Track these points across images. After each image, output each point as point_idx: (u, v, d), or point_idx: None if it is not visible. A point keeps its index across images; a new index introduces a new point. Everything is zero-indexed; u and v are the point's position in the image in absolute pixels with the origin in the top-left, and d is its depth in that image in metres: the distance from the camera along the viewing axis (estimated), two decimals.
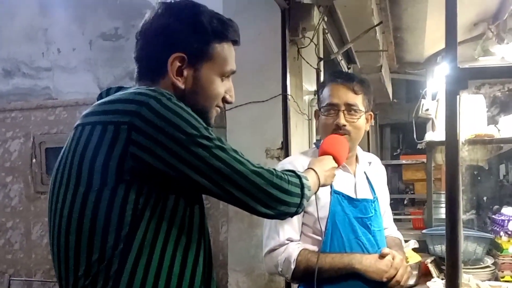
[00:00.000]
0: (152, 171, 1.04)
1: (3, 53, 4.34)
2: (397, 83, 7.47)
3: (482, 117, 3.20)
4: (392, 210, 2.08)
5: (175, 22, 1.16)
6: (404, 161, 7.19)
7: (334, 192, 1.75)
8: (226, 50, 1.21)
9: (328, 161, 1.53)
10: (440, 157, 3.70)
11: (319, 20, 3.27)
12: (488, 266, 2.65)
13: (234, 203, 1.14)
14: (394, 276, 1.68)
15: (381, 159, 2.08)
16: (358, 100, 1.80)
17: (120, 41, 3.99)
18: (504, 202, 3.77)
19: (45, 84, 4.31)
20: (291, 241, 1.74)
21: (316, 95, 3.46)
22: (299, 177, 1.23)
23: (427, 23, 4.05)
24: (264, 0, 2.93)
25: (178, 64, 1.15)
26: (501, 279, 2.60)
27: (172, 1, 1.21)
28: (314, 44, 3.37)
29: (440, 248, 2.77)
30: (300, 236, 1.77)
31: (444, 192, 1.85)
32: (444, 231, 1.05)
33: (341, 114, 1.78)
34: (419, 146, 3.84)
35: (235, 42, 1.25)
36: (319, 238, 1.72)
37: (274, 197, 1.14)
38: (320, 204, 1.71)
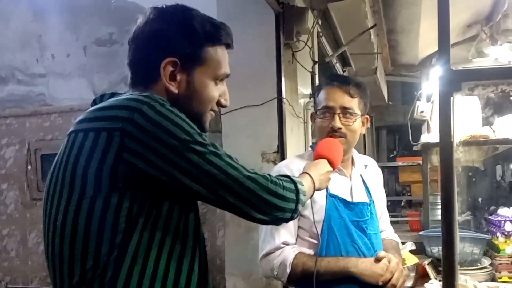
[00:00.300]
0: (146, 177, 1.03)
1: None
2: (393, 85, 7.49)
3: (477, 118, 3.20)
4: (389, 212, 2.08)
5: (167, 27, 1.16)
6: (400, 163, 7.19)
7: (330, 196, 1.75)
8: (219, 53, 1.21)
9: (323, 165, 1.52)
10: (436, 159, 3.71)
11: (313, 23, 3.28)
12: (485, 267, 2.65)
13: (229, 209, 1.13)
14: (390, 280, 1.68)
15: (378, 161, 2.08)
16: (353, 104, 1.80)
17: (115, 47, 3.99)
18: (500, 202, 3.78)
19: (39, 91, 4.30)
20: (287, 244, 1.74)
21: (311, 98, 3.47)
22: (294, 182, 1.22)
23: (421, 25, 4.06)
24: (258, 4, 2.93)
25: (171, 68, 1.15)
26: (499, 280, 2.60)
27: (164, 6, 1.20)
28: (309, 47, 3.38)
29: (437, 250, 2.77)
30: (296, 239, 1.77)
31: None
32: (441, 233, 1.06)
33: (337, 117, 1.78)
34: (414, 148, 3.85)
35: (228, 46, 1.24)
36: (315, 241, 1.72)
37: (269, 203, 1.13)
38: (316, 208, 1.70)
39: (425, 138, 3.64)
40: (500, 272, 2.65)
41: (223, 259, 3.21)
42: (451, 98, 1.07)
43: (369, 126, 1.97)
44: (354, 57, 5.02)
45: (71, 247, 1.06)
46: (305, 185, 1.29)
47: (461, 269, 2.51)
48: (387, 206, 2.05)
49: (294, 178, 1.24)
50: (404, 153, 8.59)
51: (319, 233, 1.71)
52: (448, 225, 1.04)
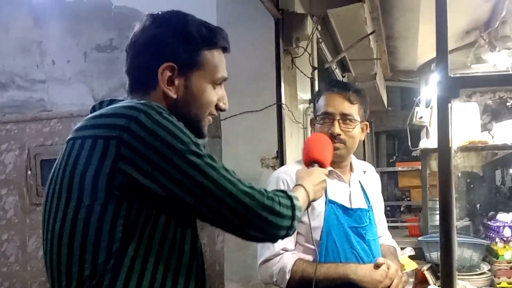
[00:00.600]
0: (141, 187, 1.02)
1: None
2: (392, 90, 7.51)
3: (476, 124, 3.22)
4: (388, 217, 2.09)
5: (163, 32, 1.16)
6: (400, 168, 7.20)
7: (329, 202, 1.75)
8: (216, 57, 1.21)
9: (317, 174, 1.47)
10: (435, 164, 3.71)
11: (313, 29, 3.29)
12: (484, 273, 2.65)
13: (222, 225, 1.10)
14: (389, 286, 1.69)
15: (377, 166, 2.09)
16: (353, 110, 1.80)
17: (115, 53, 4.00)
18: (499, 208, 3.79)
19: (39, 96, 4.30)
20: (286, 250, 1.74)
21: (311, 103, 3.48)
22: (290, 198, 1.18)
23: (419, 31, 4.08)
24: (257, 11, 2.95)
25: (168, 73, 1.15)
26: (497, 286, 2.60)
27: (159, 12, 1.20)
28: (308, 53, 3.39)
29: (436, 255, 2.77)
30: (295, 245, 1.77)
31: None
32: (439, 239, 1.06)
33: (336, 123, 1.78)
34: (414, 154, 3.86)
35: (225, 49, 1.24)
36: (314, 247, 1.72)
37: (265, 220, 1.09)
38: (314, 214, 1.71)
39: (424, 143, 3.65)
40: (499, 278, 2.65)
41: (222, 265, 3.21)
42: (449, 104, 1.07)
43: (368, 132, 1.98)
44: (354, 63, 5.04)
45: (69, 254, 1.05)
46: (300, 199, 1.26)
47: (460, 275, 2.51)
48: (386, 211, 2.05)
49: (290, 193, 1.20)
50: (403, 158, 8.59)
51: (318, 239, 1.71)
52: (446, 231, 1.05)
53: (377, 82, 5.58)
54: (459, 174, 3.69)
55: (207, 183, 1.03)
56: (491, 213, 3.58)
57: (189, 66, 1.16)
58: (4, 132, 4.31)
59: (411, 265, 2.61)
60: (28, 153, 4.22)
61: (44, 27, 4.12)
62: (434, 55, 1.12)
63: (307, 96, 3.54)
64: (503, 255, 2.70)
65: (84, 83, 4.05)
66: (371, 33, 4.02)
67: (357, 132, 1.82)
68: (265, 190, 1.13)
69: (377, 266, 1.69)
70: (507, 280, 2.63)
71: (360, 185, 1.89)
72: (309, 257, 1.73)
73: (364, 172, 1.95)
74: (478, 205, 4.42)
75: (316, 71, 3.67)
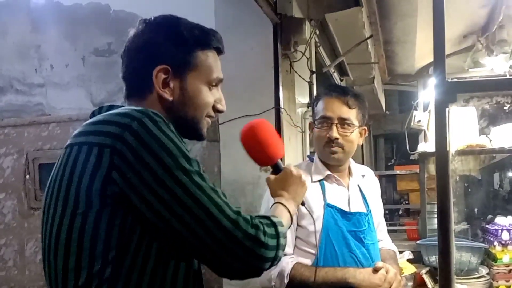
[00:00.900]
0: (131, 205, 1.01)
1: None
2: (390, 94, 7.53)
3: (474, 128, 3.23)
4: (386, 220, 2.09)
5: (155, 36, 1.16)
6: (398, 171, 7.21)
7: (327, 206, 1.76)
8: (210, 58, 1.20)
9: (292, 180, 1.34)
10: (433, 168, 3.72)
11: (311, 33, 3.30)
12: (482, 276, 2.66)
13: (200, 252, 1.04)
14: None
15: (375, 169, 2.09)
16: (351, 114, 1.81)
17: (113, 57, 4.00)
18: (497, 211, 3.80)
19: (38, 100, 4.30)
20: (285, 254, 1.74)
21: (309, 107, 3.49)
22: (274, 225, 1.11)
23: (417, 36, 4.10)
24: (256, 16, 2.95)
25: (163, 76, 1.14)
26: None
27: (152, 17, 1.20)
28: (306, 57, 3.40)
29: (435, 259, 2.78)
30: (294, 249, 1.77)
31: None
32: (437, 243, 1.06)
33: (334, 128, 1.79)
34: (412, 157, 3.87)
35: (219, 51, 1.24)
36: (313, 251, 1.73)
37: (249, 250, 1.03)
38: (313, 218, 1.71)
39: (422, 147, 3.66)
40: (497, 281, 2.66)
41: None
42: (447, 109, 1.08)
43: (366, 136, 1.98)
44: (352, 67, 5.05)
45: (65, 261, 1.05)
46: (285, 222, 1.20)
47: (458, 278, 2.52)
48: (385, 214, 2.05)
49: (274, 220, 1.13)
50: (402, 161, 8.60)
51: (317, 243, 1.71)
52: (444, 234, 1.05)
53: (375, 86, 5.59)
54: (457, 178, 3.70)
55: (191, 203, 1.00)
56: (489, 216, 3.58)
57: (183, 67, 1.16)
58: (2, 136, 4.30)
59: (410, 269, 2.61)
60: (26, 157, 4.21)
61: (42, 31, 4.13)
62: (431, 59, 1.12)
63: (306, 100, 3.55)
64: (501, 259, 2.70)
65: (83, 87, 4.06)
66: (369, 38, 4.03)
67: (355, 137, 1.82)
68: (251, 217, 1.07)
69: (376, 270, 1.69)
70: (505, 283, 2.64)
71: (359, 189, 1.90)
72: (308, 261, 1.73)
73: (363, 176, 1.95)
74: (476, 209, 4.43)
75: (314, 75, 3.67)
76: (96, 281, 1.02)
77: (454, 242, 1.09)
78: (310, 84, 3.63)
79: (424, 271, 2.75)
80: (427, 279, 2.69)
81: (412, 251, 2.78)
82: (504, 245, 2.73)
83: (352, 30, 3.89)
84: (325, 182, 1.84)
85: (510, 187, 5.21)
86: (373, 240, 1.83)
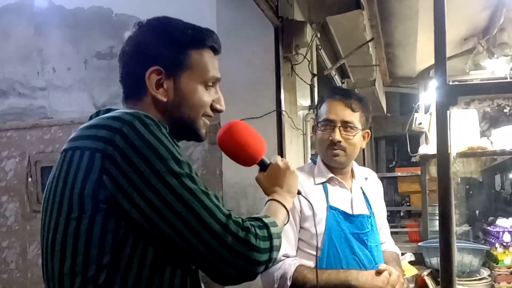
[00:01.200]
0: (123, 210, 1.00)
1: None
2: (391, 96, 7.53)
3: (475, 130, 3.24)
4: (388, 222, 2.09)
5: (147, 37, 1.16)
6: (399, 173, 7.21)
7: (330, 208, 1.77)
8: (205, 57, 1.19)
9: (280, 173, 1.32)
10: (434, 170, 3.73)
11: (312, 36, 3.31)
12: (484, 278, 2.66)
13: (192, 257, 1.03)
14: None
15: (377, 171, 2.10)
16: (354, 118, 1.81)
17: (115, 60, 3.99)
18: (498, 213, 3.80)
19: (40, 104, 4.32)
20: (288, 257, 1.75)
21: (310, 110, 3.50)
22: (266, 227, 1.09)
23: (418, 38, 4.10)
24: (257, 19, 2.96)
25: (156, 77, 1.13)
26: None
27: (145, 20, 1.20)
28: (308, 60, 3.41)
29: (437, 261, 2.78)
30: (297, 252, 1.78)
31: None
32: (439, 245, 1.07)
33: (337, 130, 1.79)
34: (413, 159, 3.87)
35: (215, 50, 1.22)
36: (316, 253, 1.73)
37: (239, 254, 1.01)
38: (316, 220, 1.72)
39: (423, 149, 3.67)
40: (499, 283, 2.66)
41: None
42: (448, 112, 1.09)
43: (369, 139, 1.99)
44: (353, 69, 5.06)
45: (61, 266, 1.04)
46: (279, 221, 1.18)
47: (460, 280, 2.52)
48: (387, 216, 2.06)
49: (265, 221, 1.11)
50: (403, 163, 8.60)
51: (320, 245, 1.72)
52: (446, 236, 1.06)
53: (376, 88, 5.60)
54: (459, 180, 3.71)
55: (180, 207, 0.99)
56: (491, 218, 3.59)
57: (176, 67, 1.15)
58: (5, 139, 4.32)
59: (411, 271, 2.62)
60: (28, 160, 4.23)
61: (44, 35, 4.15)
62: (432, 62, 1.13)
63: (307, 102, 3.56)
64: (502, 260, 2.71)
65: (85, 90, 4.08)
66: (370, 40, 4.04)
67: (358, 140, 1.83)
68: (242, 219, 1.06)
69: (379, 273, 1.70)
70: (507, 285, 2.64)
71: (362, 191, 1.90)
72: (311, 263, 1.73)
73: (366, 178, 1.95)
74: (477, 211, 4.43)
75: (315, 78, 3.68)
76: (91, 286, 1.01)
77: (456, 244, 1.09)
78: (312, 87, 3.63)
79: (425, 273, 2.76)
80: (428, 281, 2.70)
81: (413, 253, 2.78)
82: (506, 247, 2.73)
83: (353, 33, 3.90)
84: (328, 184, 1.84)
85: (511, 189, 5.21)
86: (376, 243, 1.84)
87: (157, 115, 1.14)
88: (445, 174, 1.07)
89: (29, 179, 4.30)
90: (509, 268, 2.68)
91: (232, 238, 1.01)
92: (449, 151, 1.08)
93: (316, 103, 3.60)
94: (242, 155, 1.29)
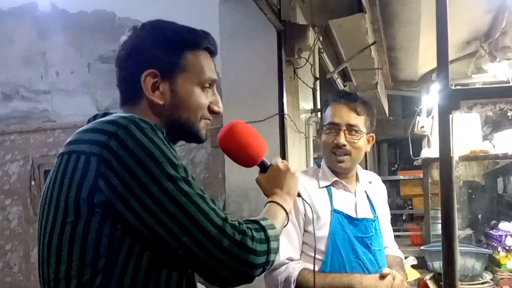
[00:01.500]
0: (118, 213, 1.00)
1: (2, 77, 4.38)
2: (393, 99, 7.53)
3: (477, 134, 3.24)
4: (391, 225, 2.09)
5: (142, 41, 1.16)
6: (401, 177, 7.20)
7: (334, 211, 1.77)
8: (201, 58, 1.18)
9: (280, 174, 1.31)
10: (436, 173, 3.73)
11: (315, 40, 3.32)
12: (486, 282, 2.66)
13: (188, 260, 1.03)
14: None
15: (379, 174, 2.10)
16: (359, 121, 1.81)
17: None
18: (501, 217, 3.80)
19: (43, 107, 4.35)
20: (292, 260, 1.75)
21: (312, 113, 3.50)
22: (263, 229, 1.09)
23: (420, 42, 4.11)
24: (260, 23, 2.97)
25: (152, 80, 1.13)
26: None
27: (140, 24, 1.20)
28: (310, 64, 3.42)
29: (439, 264, 2.78)
30: (301, 255, 1.78)
31: None
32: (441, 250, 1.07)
33: (342, 134, 1.79)
34: (415, 163, 3.88)
35: (211, 51, 1.21)
36: (320, 257, 1.73)
37: (236, 257, 1.01)
38: (320, 223, 1.72)
39: (425, 153, 3.67)
40: (501, 287, 2.65)
41: None
42: (450, 116, 1.09)
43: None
44: (355, 73, 5.06)
45: (56, 270, 1.04)
46: (277, 223, 1.18)
47: (463, 284, 2.52)
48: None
49: (263, 223, 1.11)
50: (405, 166, 8.59)
51: (324, 249, 1.72)
52: (449, 240, 1.06)
53: (378, 91, 5.60)
54: (461, 184, 3.71)
55: (176, 211, 0.99)
56: (493, 222, 3.58)
57: (172, 69, 1.15)
58: (8, 143, 4.34)
59: (414, 275, 2.62)
60: (32, 164, 4.25)
61: (48, 39, 4.17)
62: (435, 65, 1.13)
63: (309, 106, 3.57)
64: (505, 264, 2.70)
65: (88, 94, 4.10)
66: (372, 44, 4.04)
67: (363, 143, 1.83)
68: (239, 222, 1.05)
69: (382, 277, 1.70)
70: None
71: (366, 195, 1.90)
72: (315, 267, 1.73)
73: (370, 182, 1.95)
74: (479, 214, 4.42)
75: (318, 81, 3.69)
76: None
77: (458, 248, 1.09)
78: (314, 90, 3.64)
79: (428, 276, 2.76)
80: (431, 285, 2.70)
81: (416, 257, 2.78)
82: (508, 250, 2.73)
83: (356, 36, 3.91)
84: (332, 188, 1.84)
85: None
86: (379, 246, 1.84)
87: (154, 119, 1.14)
88: (448, 178, 1.08)
89: (32, 183, 4.32)
90: None
91: (228, 241, 1.01)
92: (451, 155, 1.08)
93: (318, 106, 3.62)
94: (243, 155, 1.28)
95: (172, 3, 3.44)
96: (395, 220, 7.36)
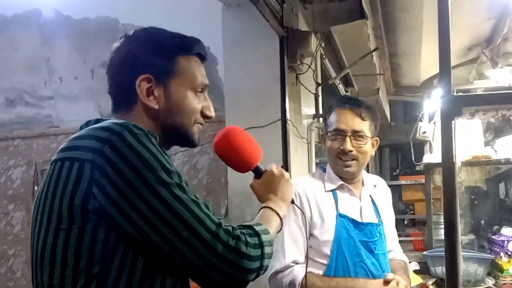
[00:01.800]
0: (112, 220, 1.00)
1: (6, 83, 4.41)
2: (395, 104, 7.53)
3: (479, 140, 3.25)
4: (395, 229, 2.09)
5: (135, 47, 1.17)
6: (403, 182, 7.20)
7: (339, 216, 1.78)
8: (193, 63, 1.20)
9: (275, 180, 1.32)
10: (438, 179, 3.74)
11: (317, 46, 3.34)
12: (489, 287, 2.66)
13: (182, 266, 1.03)
14: None
15: None
16: (364, 126, 1.82)
17: None
18: (503, 222, 3.80)
19: (47, 113, 4.37)
20: (297, 263, 1.76)
21: (315, 119, 3.52)
22: (257, 234, 1.10)
23: (422, 48, 4.13)
24: (262, 29, 2.99)
25: (146, 85, 1.14)
26: None
27: (133, 30, 1.21)
28: (312, 70, 3.44)
29: (441, 270, 2.79)
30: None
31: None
32: (444, 255, 1.08)
33: (348, 140, 1.80)
34: (417, 168, 3.88)
35: (202, 57, 1.23)
36: (324, 261, 1.74)
37: (230, 262, 1.02)
38: (325, 227, 1.73)
39: (427, 158, 3.68)
40: None
41: None
42: (453, 122, 1.09)
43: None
44: (357, 78, 5.08)
45: (50, 277, 1.04)
46: (271, 229, 1.18)
47: None
48: None
49: (257, 228, 1.12)
50: (406, 171, 8.58)
51: (329, 253, 1.73)
52: (451, 246, 1.06)
53: (380, 97, 5.61)
54: (463, 189, 3.71)
55: (170, 216, 0.99)
56: (495, 227, 3.58)
57: (166, 74, 1.16)
58: (11, 148, 4.36)
59: (416, 280, 2.62)
60: (35, 169, 4.27)
61: (52, 45, 4.20)
62: (437, 71, 1.13)
63: (311, 111, 3.58)
64: (507, 269, 2.71)
65: (91, 100, 4.12)
66: (374, 50, 4.06)
67: (368, 148, 1.83)
68: (232, 227, 1.06)
69: (387, 282, 1.70)
70: None
71: (371, 199, 1.90)
72: (319, 271, 1.74)
73: (375, 186, 1.96)
74: (482, 220, 4.42)
75: (320, 87, 3.71)
76: None
77: (461, 253, 1.10)
78: (316, 96, 3.66)
79: (430, 282, 2.76)
80: None
81: (418, 262, 2.79)
82: (511, 256, 2.73)
83: (357, 42, 3.93)
84: (338, 191, 1.85)
85: None
86: (383, 250, 1.84)
87: (148, 124, 1.14)
88: (450, 183, 1.08)
89: (36, 188, 4.33)
90: None
91: (222, 246, 1.01)
92: (454, 161, 1.09)
93: (320, 112, 3.64)
94: (237, 161, 1.29)
95: (175, 9, 3.47)
96: (397, 225, 7.32)
